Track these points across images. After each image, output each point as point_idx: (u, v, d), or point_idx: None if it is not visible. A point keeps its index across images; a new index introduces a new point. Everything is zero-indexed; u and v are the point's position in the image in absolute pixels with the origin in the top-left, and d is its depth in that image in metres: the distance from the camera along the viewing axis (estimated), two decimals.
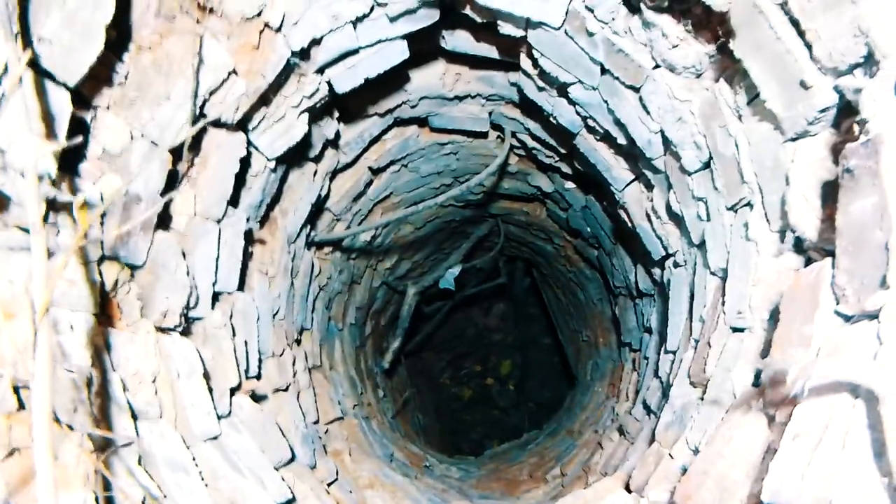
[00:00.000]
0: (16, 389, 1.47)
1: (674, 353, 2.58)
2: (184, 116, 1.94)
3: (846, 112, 1.44)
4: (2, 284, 1.44)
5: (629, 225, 3.15)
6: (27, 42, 1.48)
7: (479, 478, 5.49)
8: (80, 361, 1.61)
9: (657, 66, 2.07)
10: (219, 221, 2.39)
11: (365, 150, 3.61)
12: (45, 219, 1.56)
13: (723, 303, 1.92)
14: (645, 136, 2.33)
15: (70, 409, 1.52)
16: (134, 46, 1.87)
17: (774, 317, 1.64)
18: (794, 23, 1.41)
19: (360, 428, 4.23)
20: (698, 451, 1.73)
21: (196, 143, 2.26)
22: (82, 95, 1.76)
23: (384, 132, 3.63)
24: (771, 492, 1.17)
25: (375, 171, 3.92)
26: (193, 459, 1.84)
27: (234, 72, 2.12)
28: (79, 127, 1.77)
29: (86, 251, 1.73)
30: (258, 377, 2.78)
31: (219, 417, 2.12)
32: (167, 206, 2.13)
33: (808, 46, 1.40)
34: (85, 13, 1.54)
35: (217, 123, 2.21)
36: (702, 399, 1.89)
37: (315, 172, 3.27)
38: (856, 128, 1.28)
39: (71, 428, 1.36)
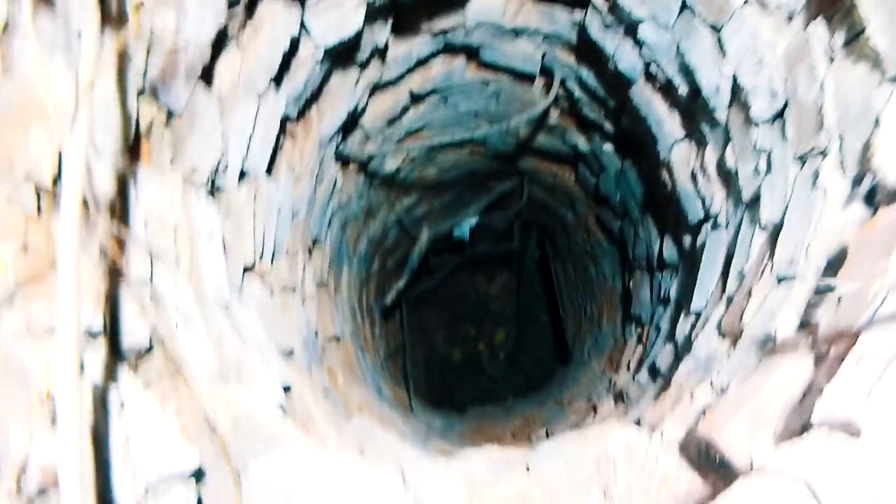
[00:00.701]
0: (37, 196, 1.40)
1: (697, 314, 2.51)
2: None
3: None
4: (35, 75, 1.36)
5: (668, 188, 3.06)
6: None
7: (461, 432, 5.47)
8: (105, 185, 1.53)
9: (747, 2, 1.97)
10: (259, 96, 2.30)
11: (410, 70, 3.50)
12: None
13: (771, 255, 1.84)
14: (714, 81, 2.23)
15: (89, 223, 1.45)
16: None
17: (834, 265, 1.56)
18: None
19: (355, 355, 4.18)
20: (725, 391, 1.66)
21: (251, 7, 2.17)
22: None
23: (433, 56, 3.52)
24: (822, 414, 1.10)
25: (415, 99, 3.82)
26: (202, 315, 1.77)
27: None
28: None
29: (126, 79, 1.65)
30: (269, 269, 2.71)
31: (230, 289, 2.05)
32: (213, 62, 2.04)
33: None
34: None
35: None
36: (733, 346, 1.81)
37: (357, 80, 3.17)
38: None
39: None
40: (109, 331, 1.34)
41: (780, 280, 1.74)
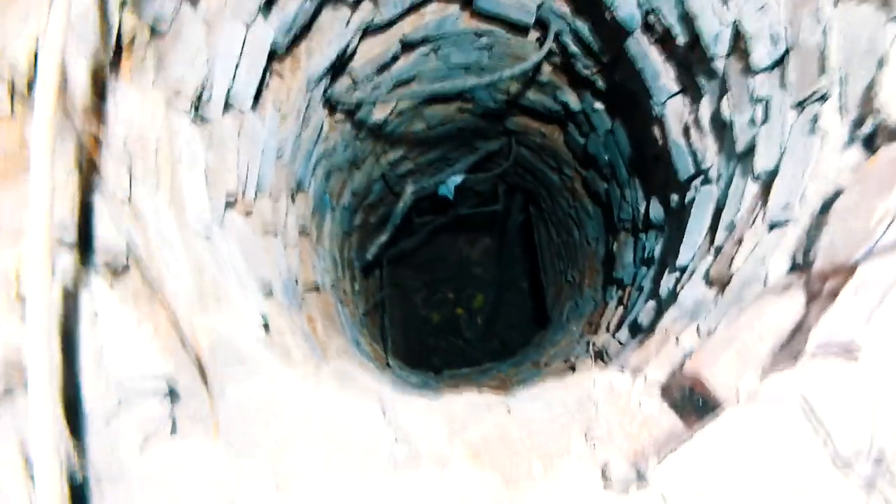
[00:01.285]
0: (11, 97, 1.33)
1: (681, 269, 2.50)
2: None
3: None
4: None
5: (659, 144, 3.03)
6: None
7: (436, 389, 5.48)
8: (83, 92, 1.46)
9: None
10: (247, 25, 2.22)
11: (403, 14, 3.41)
12: None
13: (763, 202, 1.82)
14: (714, 29, 2.19)
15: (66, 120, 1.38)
16: None
17: (828, 207, 1.54)
18: None
19: (334, 307, 4.14)
20: (712, 334, 1.65)
21: None
22: None
23: (427, 0, 3.44)
24: (819, 340, 1.08)
25: (406, 46, 3.73)
26: (182, 242, 1.72)
27: None
28: None
29: None
30: (251, 206, 2.65)
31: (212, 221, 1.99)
32: None
33: None
34: None
35: None
36: (721, 293, 1.80)
37: (348, 21, 3.08)
38: None
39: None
40: (84, 243, 1.29)
41: (772, 226, 1.73)
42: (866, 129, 1.51)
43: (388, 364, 5.23)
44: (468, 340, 9.04)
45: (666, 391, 1.68)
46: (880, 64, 1.47)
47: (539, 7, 3.46)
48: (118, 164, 1.53)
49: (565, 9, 3.35)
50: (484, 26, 3.78)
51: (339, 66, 3.34)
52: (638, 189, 3.81)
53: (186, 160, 1.87)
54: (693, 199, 2.62)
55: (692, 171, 2.68)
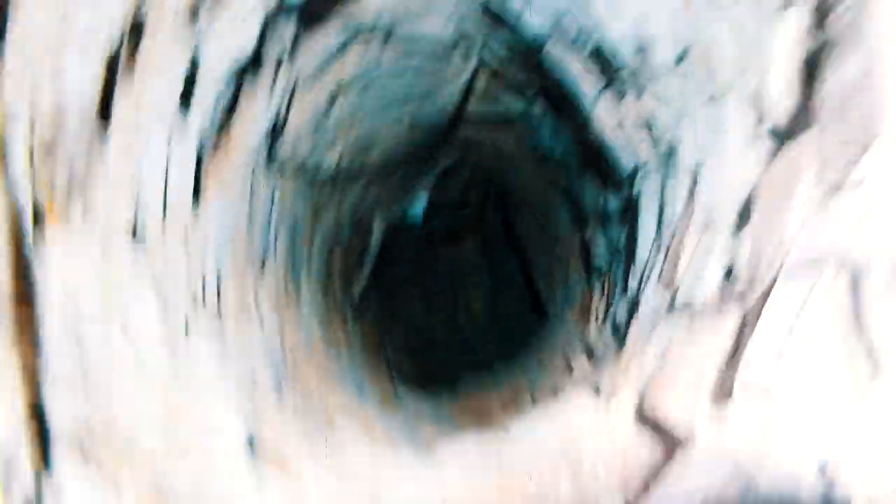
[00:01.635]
0: None
1: (643, 267, 2.54)
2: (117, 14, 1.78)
3: None
4: None
5: (597, 142, 3.06)
6: None
7: (451, 411, 5.52)
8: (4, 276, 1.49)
9: None
10: (169, 127, 2.24)
11: (327, 64, 3.43)
12: None
13: (693, 204, 1.85)
14: (616, 34, 2.22)
15: None
16: None
17: (746, 209, 1.57)
18: None
19: (329, 358, 4.18)
20: (665, 353, 1.68)
21: (137, 32, 2.09)
22: None
23: (346, 45, 3.46)
24: (743, 381, 1.12)
25: (337, 91, 3.76)
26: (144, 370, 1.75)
27: None
28: None
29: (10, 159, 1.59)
30: (217, 305, 2.67)
31: (171, 334, 2.02)
32: (107, 103, 1.97)
33: None
34: None
35: (159, 20, 2.04)
36: (672, 302, 1.84)
37: (272, 86, 3.10)
38: None
39: None
40: (37, 420, 1.32)
41: (703, 229, 1.76)
42: (767, 124, 1.54)
43: (396, 396, 5.27)
44: (475, 342, 9.08)
45: (640, 416, 1.72)
46: (768, 61, 1.50)
47: (457, 27, 3.48)
48: (61, 327, 1.56)
49: (481, 25, 3.38)
50: (409, 55, 3.81)
51: (277, 128, 3.37)
52: (593, 180, 3.84)
53: (133, 295, 1.89)
54: (639, 193, 2.66)
55: (631, 165, 2.72)
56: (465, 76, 3.44)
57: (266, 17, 2.51)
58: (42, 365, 1.41)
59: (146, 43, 2.10)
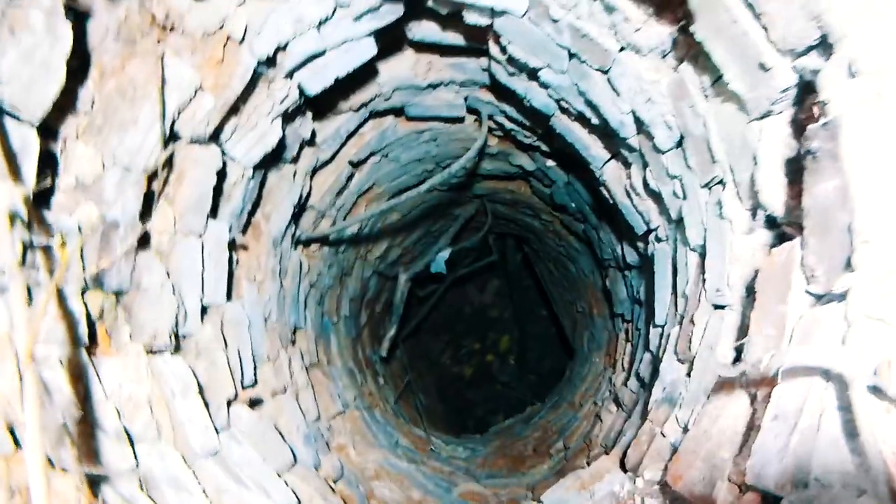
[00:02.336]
0: (10, 430, 1.49)
1: (662, 326, 2.62)
2: (154, 138, 1.94)
3: (808, 89, 1.45)
4: None
5: (610, 201, 3.16)
6: None
7: (485, 456, 5.57)
8: (66, 398, 1.62)
9: (623, 49, 2.07)
10: (200, 235, 2.39)
11: (343, 144, 3.59)
12: (23, 260, 1.56)
13: (703, 280, 1.94)
14: (617, 116, 2.34)
15: (58, 445, 1.54)
16: (96, 72, 1.86)
17: (751, 293, 1.66)
18: (750, 6, 1.41)
19: (362, 419, 4.27)
20: (688, 429, 1.76)
21: (170, 160, 2.25)
22: (48, 126, 1.75)
23: (361, 125, 3.62)
24: (754, 474, 1.20)
25: (356, 165, 3.92)
26: (195, 477, 1.86)
27: (201, 87, 2.11)
28: (48, 158, 1.77)
29: (67, 285, 1.73)
30: (254, 384, 2.80)
31: (217, 431, 2.14)
32: (145, 223, 2.13)
33: (765, 29, 1.40)
34: (42, 49, 1.53)
35: (189, 140, 2.21)
36: (689, 376, 1.92)
37: (294, 173, 3.27)
38: (816, 109, 1.29)
39: (64, 470, 1.38)
40: None
41: (714, 307, 1.85)
42: (762, 217, 1.64)
43: (430, 447, 5.34)
44: (505, 384, 9.12)
45: (664, 489, 1.79)
46: (755, 160, 1.60)
47: (466, 99, 3.63)
48: (113, 440, 1.69)
49: (489, 97, 3.52)
50: (422, 125, 3.96)
51: (299, 210, 3.52)
52: (610, 231, 3.94)
53: (178, 392, 2.02)
54: (653, 255, 2.75)
55: (644, 227, 2.81)
56: (478, 141, 3.56)
57: (284, 115, 2.67)
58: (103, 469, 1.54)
59: (179, 156, 2.26)
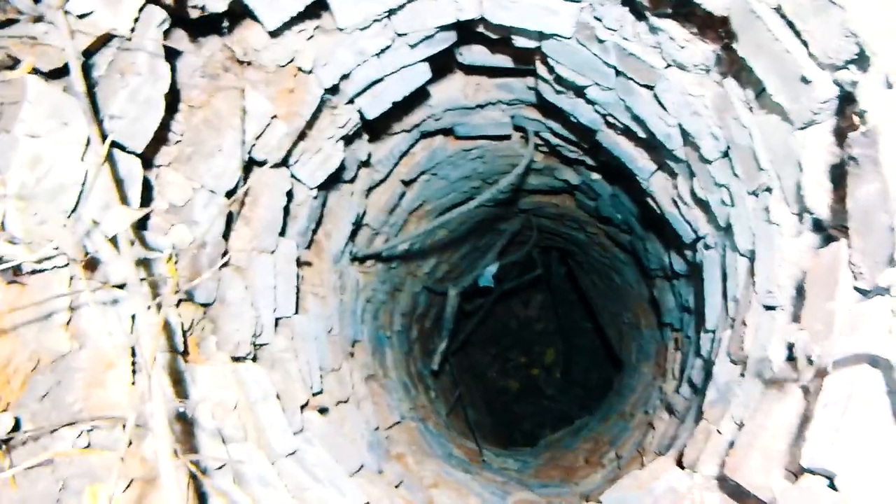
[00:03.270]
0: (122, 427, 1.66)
1: (713, 332, 2.69)
2: (236, 164, 2.13)
3: (848, 100, 1.55)
4: (102, 337, 1.63)
5: (657, 211, 3.25)
6: (98, 121, 1.66)
7: (536, 467, 5.64)
8: (170, 400, 1.79)
9: (668, 66, 2.19)
10: (272, 252, 2.57)
11: (396, 164, 3.76)
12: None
13: (753, 283, 2.03)
14: (663, 129, 2.45)
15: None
16: (185, 106, 2.05)
17: (801, 293, 1.75)
18: (790, 24, 1.52)
19: (417, 430, 4.40)
20: (743, 424, 1.85)
21: (245, 180, 2.44)
22: (144, 157, 1.95)
23: (412, 146, 3.79)
24: (808, 458, 1.30)
25: (407, 183, 4.08)
26: (279, 475, 2.02)
27: (275, 116, 2.29)
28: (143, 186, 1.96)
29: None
30: (320, 392, 2.96)
31: (293, 434, 2.30)
32: (226, 242, 2.31)
33: (805, 44, 1.51)
34: (146, 88, 1.72)
35: (263, 164, 2.39)
36: (742, 375, 2.00)
37: (352, 192, 3.45)
38: (856, 118, 1.39)
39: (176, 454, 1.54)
40: None
41: (765, 308, 1.94)
42: (809, 221, 1.73)
43: (482, 459, 5.43)
44: (551, 397, 9.15)
45: (721, 483, 1.88)
46: (800, 167, 1.70)
47: (512, 117, 3.77)
48: (210, 438, 1.85)
49: (535, 114, 3.65)
50: (470, 144, 4.11)
51: (356, 227, 3.70)
52: (657, 241, 4.01)
53: (259, 397, 2.19)
54: (702, 261, 2.83)
55: (693, 236, 2.90)
56: (526, 157, 3.69)
57: (345, 138, 2.84)
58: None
59: (254, 179, 2.45)
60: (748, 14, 1.62)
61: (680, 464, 2.24)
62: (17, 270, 1.49)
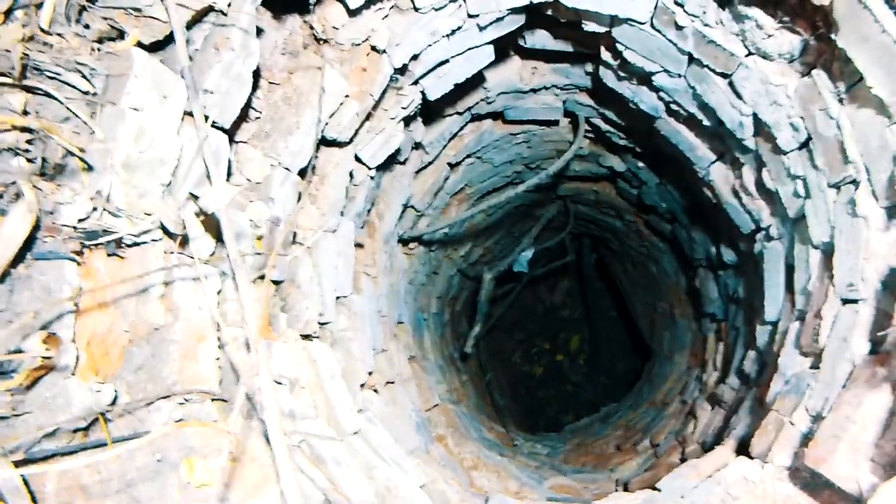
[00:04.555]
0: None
1: (772, 323, 2.68)
2: (311, 142, 2.13)
3: None
4: (193, 311, 1.65)
5: (713, 201, 3.22)
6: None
7: (565, 453, 5.65)
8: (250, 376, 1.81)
9: (749, 54, 2.16)
10: (334, 232, 2.58)
11: (444, 146, 3.75)
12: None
13: (830, 276, 2.01)
14: (736, 118, 2.42)
15: (247, 418, 1.73)
16: (265, 83, 2.05)
17: (890, 288, 1.73)
18: None
19: (454, 413, 4.42)
20: (819, 417, 1.84)
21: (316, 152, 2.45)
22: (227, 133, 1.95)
23: (462, 128, 3.77)
24: None
25: (453, 166, 4.07)
26: (348, 453, 2.04)
27: (347, 95, 2.29)
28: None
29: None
30: (371, 372, 2.98)
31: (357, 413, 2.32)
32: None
33: None
34: (238, 63, 1.72)
35: (333, 143, 2.39)
36: (816, 368, 1.99)
37: (404, 174, 3.44)
38: None
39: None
40: None
41: (844, 302, 1.92)
42: None
43: (513, 443, 5.46)
44: (576, 384, 9.16)
45: (794, 474, 1.87)
46: (895, 161, 1.67)
47: (564, 102, 3.75)
48: (289, 416, 1.87)
49: (589, 100, 3.62)
50: (517, 128, 4.09)
51: (406, 207, 3.70)
52: (704, 232, 3.98)
53: (327, 375, 2.20)
54: (762, 253, 2.80)
55: (752, 226, 2.87)
56: (577, 142, 3.67)
57: (405, 119, 2.84)
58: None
59: (322, 159, 2.45)
60: (854, 4, 1.59)
61: (743, 453, 2.23)
62: (119, 243, 1.50)
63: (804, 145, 2.16)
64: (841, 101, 1.89)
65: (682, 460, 3.71)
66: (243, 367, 1.51)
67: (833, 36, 1.71)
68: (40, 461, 1.29)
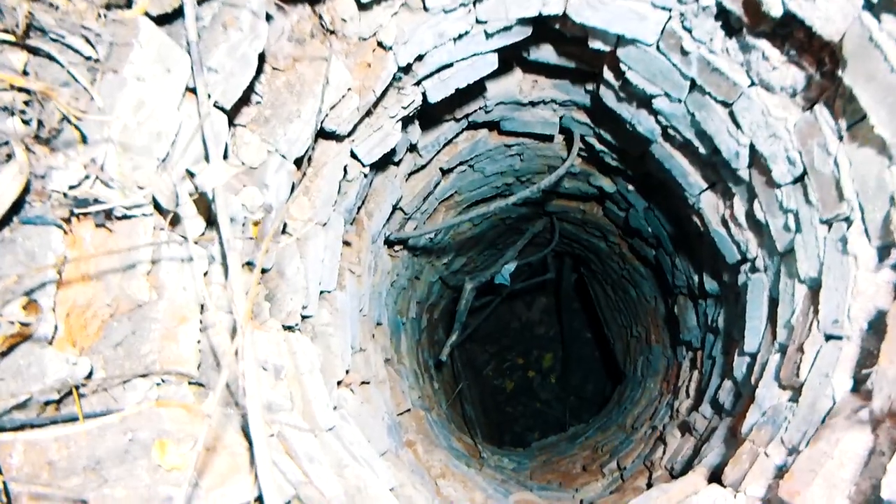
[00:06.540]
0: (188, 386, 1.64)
1: (751, 355, 2.69)
2: (309, 131, 2.10)
3: None
4: (178, 291, 1.61)
5: (702, 229, 3.24)
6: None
7: (532, 469, 5.64)
8: (230, 362, 1.77)
9: (752, 85, 2.18)
10: (324, 226, 2.55)
11: (438, 152, 3.75)
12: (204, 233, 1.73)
13: (816, 311, 2.02)
14: (733, 147, 2.44)
15: (225, 405, 1.70)
16: (269, 68, 2.03)
17: (875, 328, 1.75)
18: None
19: (425, 420, 4.39)
20: (795, 450, 1.84)
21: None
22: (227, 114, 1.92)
23: (457, 135, 3.77)
24: (891, 490, 1.29)
25: (445, 172, 4.06)
26: (321, 449, 2.00)
27: (350, 88, 2.27)
28: None
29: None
30: (349, 371, 2.94)
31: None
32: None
33: None
34: (244, 45, 1.70)
35: (331, 135, 2.37)
36: (795, 402, 2.00)
37: (396, 175, 3.42)
38: None
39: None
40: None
41: (828, 338, 1.93)
42: (893, 257, 1.72)
43: (480, 455, 5.43)
44: (545, 401, 9.17)
45: None
46: (892, 201, 1.69)
47: (561, 118, 3.76)
48: (264, 409, 1.83)
49: (585, 118, 3.64)
50: (512, 140, 4.10)
51: (393, 211, 3.68)
52: (687, 260, 4.01)
53: (307, 368, 2.17)
54: (745, 284, 2.82)
55: (738, 257, 2.89)
56: (570, 158, 3.67)
57: (404, 120, 2.82)
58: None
59: (318, 150, 2.43)
60: (864, 42, 1.61)
61: (715, 482, 2.23)
62: (108, 214, 1.47)
63: (799, 179, 2.18)
64: (841, 138, 1.91)
65: (649, 485, 3.72)
66: (227, 351, 1.48)
67: (839, 72, 1.73)
68: (9, 430, 1.24)
